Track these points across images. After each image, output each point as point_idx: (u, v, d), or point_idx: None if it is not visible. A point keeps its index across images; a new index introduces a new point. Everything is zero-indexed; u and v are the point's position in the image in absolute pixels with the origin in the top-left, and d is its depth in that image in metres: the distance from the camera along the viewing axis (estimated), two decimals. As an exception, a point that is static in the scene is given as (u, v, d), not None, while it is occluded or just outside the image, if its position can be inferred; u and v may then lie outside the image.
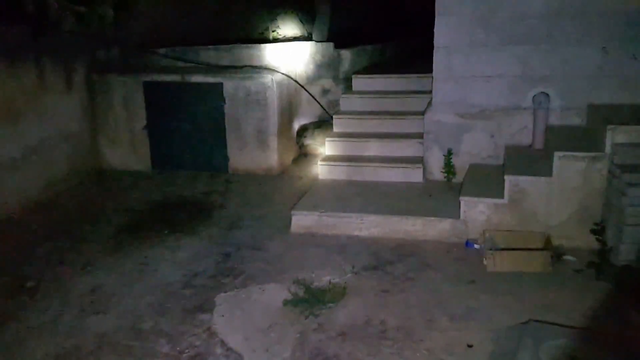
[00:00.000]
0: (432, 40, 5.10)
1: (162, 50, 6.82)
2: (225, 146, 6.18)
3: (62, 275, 4.04)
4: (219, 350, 3.13)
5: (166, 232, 4.73)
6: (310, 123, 6.69)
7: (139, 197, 5.61)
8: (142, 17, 6.87)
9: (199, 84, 6.12)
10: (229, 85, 6.02)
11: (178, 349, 3.16)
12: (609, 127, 4.00)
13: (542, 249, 4.05)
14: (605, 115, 4.30)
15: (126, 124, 6.37)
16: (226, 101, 6.05)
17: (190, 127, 6.23)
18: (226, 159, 6.21)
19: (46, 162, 5.59)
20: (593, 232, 4.08)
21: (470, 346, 3.10)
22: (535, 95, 4.86)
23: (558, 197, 4.20)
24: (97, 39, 6.28)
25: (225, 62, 6.71)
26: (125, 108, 6.33)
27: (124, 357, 3.10)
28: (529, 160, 4.63)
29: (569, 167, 4.14)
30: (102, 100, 6.35)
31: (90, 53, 6.28)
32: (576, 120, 4.86)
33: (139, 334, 3.31)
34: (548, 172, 4.21)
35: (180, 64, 6.73)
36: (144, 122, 6.30)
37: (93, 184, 6.10)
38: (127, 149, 6.44)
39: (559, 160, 4.15)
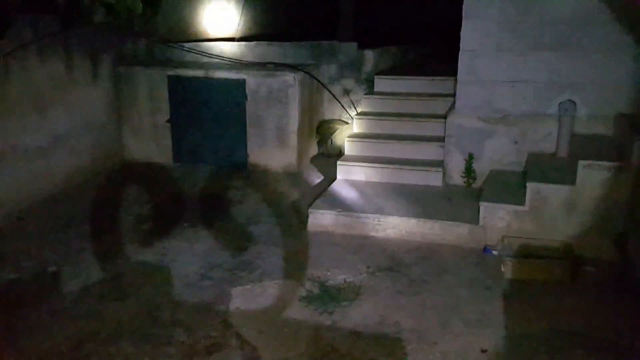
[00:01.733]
0: (456, 42, 5.08)
1: (187, 45, 6.90)
2: (245, 142, 6.23)
3: (84, 262, 4.13)
4: (234, 342, 3.16)
5: (185, 224, 4.79)
6: (331, 122, 6.69)
7: (159, 189, 5.69)
8: (169, 11, 6.97)
9: (222, 80, 6.17)
10: (252, 81, 6.07)
11: (194, 338, 3.20)
12: (637, 137, 3.93)
13: (561, 258, 4.00)
14: (633, 125, 4.22)
15: (150, 116, 6.46)
16: (248, 97, 6.10)
17: (212, 122, 6.30)
18: (246, 155, 6.26)
19: (72, 152, 5.71)
20: (615, 243, 4.01)
21: (484, 351, 3.09)
22: (561, 103, 4.79)
23: (580, 207, 4.14)
24: (125, 31, 6.38)
25: (248, 59, 6.77)
26: (150, 101, 6.43)
27: (141, 344, 3.16)
28: (552, 167, 4.57)
29: (593, 176, 4.08)
30: (127, 93, 6.45)
31: (118, 45, 6.39)
32: (602, 129, 4.79)
33: (157, 322, 3.37)
34: (571, 181, 4.15)
35: (204, 59, 6.80)
36: (167, 116, 6.39)
37: (116, 174, 6.20)
38: (150, 141, 6.53)
39: (584, 169, 4.09)
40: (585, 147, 4.46)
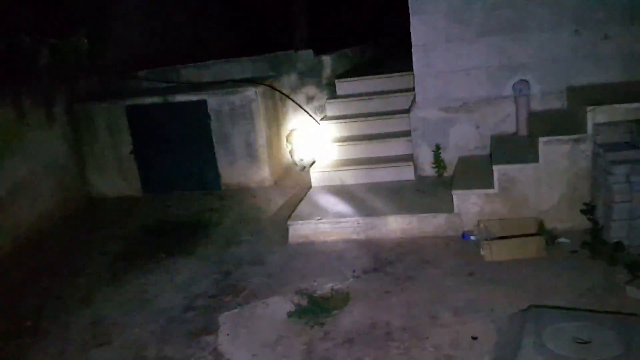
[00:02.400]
0: (410, 37, 5.15)
1: (141, 73, 6.82)
2: (215, 163, 6.18)
3: (61, 311, 4.01)
4: (227, 370, 3.13)
5: (163, 255, 4.72)
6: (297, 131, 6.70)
7: (132, 222, 5.59)
8: (118, 43, 6.87)
9: (182, 103, 6.12)
10: (213, 101, 6.04)
11: (186, 373, 3.16)
12: (589, 108, 4.06)
13: (535, 234, 4.10)
14: (584, 97, 4.36)
15: (112, 150, 6.36)
16: (212, 117, 6.06)
17: (178, 147, 6.23)
18: (217, 175, 6.21)
19: (34, 198, 5.55)
20: (583, 212, 4.14)
21: (474, 338, 3.13)
22: (515, 83, 4.92)
23: (547, 182, 4.25)
24: (75, 69, 6.26)
25: (206, 79, 6.73)
26: (110, 135, 6.32)
27: (132, 386, 3.10)
28: (515, 147, 4.68)
29: (554, 151, 4.19)
30: (86, 130, 6.33)
31: (69, 84, 6.26)
32: (557, 103, 4.93)
33: (145, 362, 3.30)
34: (535, 158, 4.26)
35: (162, 85, 6.73)
36: (130, 147, 6.29)
37: (84, 214, 6.07)
38: (115, 175, 6.42)
39: (544, 145, 4.20)
40: (544, 123, 4.58)
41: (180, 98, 6.13)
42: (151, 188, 6.39)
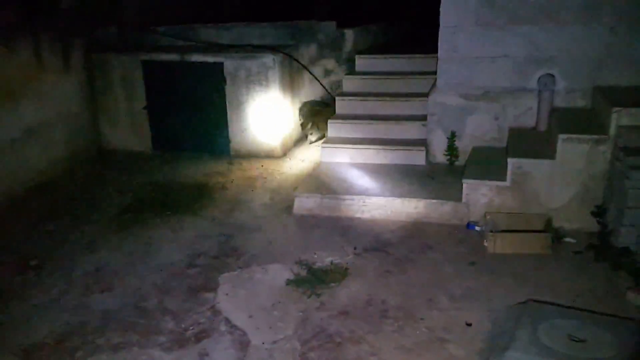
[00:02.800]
0: (436, 19, 5.05)
1: (160, 29, 6.74)
2: (226, 128, 6.15)
3: (66, 254, 4.07)
4: (223, 328, 3.17)
5: (169, 213, 4.74)
6: (313, 103, 6.64)
7: (140, 178, 5.61)
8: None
9: (199, 64, 6.05)
10: (230, 64, 5.97)
11: (183, 326, 3.20)
12: (615, 109, 3.98)
13: (542, 231, 4.08)
14: (610, 98, 4.28)
15: (126, 104, 6.33)
16: (227, 81, 6.00)
17: (191, 108, 6.20)
18: (228, 140, 6.19)
19: (46, 143, 5.58)
20: (594, 214, 4.10)
21: (469, 325, 3.15)
22: (540, 77, 4.81)
23: (560, 180, 4.20)
24: (96, 17, 6.20)
25: (225, 41, 6.65)
26: (125, 88, 6.29)
27: (129, 333, 3.14)
28: (533, 142, 4.62)
29: (572, 149, 4.13)
30: (101, 80, 6.30)
31: (88, 32, 6.21)
32: (581, 102, 4.83)
33: (144, 311, 3.35)
34: (551, 155, 4.20)
35: (179, 42, 6.66)
36: (144, 102, 6.27)
37: (94, 164, 6.09)
38: (127, 129, 6.41)
39: (563, 142, 4.14)
40: (565, 120, 4.50)
41: (197, 58, 6.07)
42: (161, 145, 6.38)
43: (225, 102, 6.07)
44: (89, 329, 3.19)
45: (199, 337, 3.10)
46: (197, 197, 5.07)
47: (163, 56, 6.16)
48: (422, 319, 3.21)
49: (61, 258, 4.02)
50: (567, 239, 4.07)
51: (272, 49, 6.10)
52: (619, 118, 3.96)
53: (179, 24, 6.85)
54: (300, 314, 3.28)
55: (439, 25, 5.06)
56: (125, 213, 4.77)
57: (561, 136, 4.14)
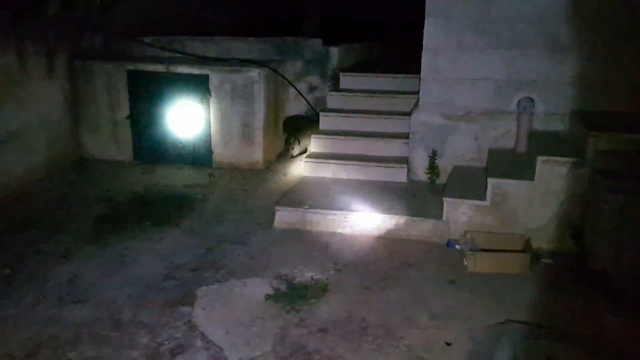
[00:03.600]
0: (420, 40, 5.14)
1: (147, 39, 6.72)
2: (209, 139, 6.12)
3: (40, 264, 3.96)
4: (199, 343, 3.11)
5: (147, 223, 4.67)
6: (297, 118, 6.65)
7: (119, 187, 5.52)
8: (127, 5, 6.76)
9: (184, 75, 6.04)
10: (215, 77, 5.97)
11: (157, 340, 3.13)
12: (591, 133, 4.08)
13: (521, 252, 4.13)
14: (587, 122, 4.39)
15: (108, 112, 6.26)
16: (212, 94, 5.99)
17: (174, 119, 6.15)
18: (210, 152, 6.15)
19: (25, 149, 5.47)
20: (572, 236, 4.16)
21: (448, 344, 3.14)
22: (520, 100, 4.93)
23: (539, 201, 4.27)
24: (82, 24, 6.15)
25: (211, 54, 6.65)
26: (108, 96, 6.22)
27: (102, 347, 3.06)
28: (512, 163, 4.70)
29: (551, 171, 4.21)
30: (84, 88, 6.22)
31: (74, 39, 6.16)
32: (559, 125, 4.95)
33: (118, 324, 3.27)
34: (530, 176, 4.28)
35: (165, 54, 6.64)
36: (127, 112, 6.20)
37: (73, 172, 5.97)
38: (108, 138, 6.33)
39: (542, 164, 4.22)
40: (544, 143, 4.60)
41: (183, 70, 6.05)
42: (142, 156, 6.31)
43: (210, 114, 6.05)
44: (60, 342, 3.09)
45: (173, 353, 3.03)
46: (177, 208, 5.00)
47: (149, 66, 6.12)
48: (401, 337, 3.20)
49: (34, 268, 3.91)
50: (545, 260, 4.12)
51: (258, 63, 6.13)
52: (596, 142, 4.06)
53: (166, 35, 6.84)
54: (279, 330, 3.24)
55: (422, 45, 5.14)
56: (102, 223, 4.68)
57: (540, 158, 4.22)
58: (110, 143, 6.33)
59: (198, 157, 6.20)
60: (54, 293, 3.59)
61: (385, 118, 5.92)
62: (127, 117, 6.21)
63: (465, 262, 4.04)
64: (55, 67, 5.89)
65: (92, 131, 6.34)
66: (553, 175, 4.20)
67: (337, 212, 4.64)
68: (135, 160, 6.30)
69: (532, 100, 4.89)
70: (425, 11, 5.05)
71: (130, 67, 6.12)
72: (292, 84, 6.63)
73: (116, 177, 5.84)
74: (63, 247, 4.23)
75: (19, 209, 4.93)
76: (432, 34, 5.08)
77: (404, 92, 6.10)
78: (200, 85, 5.99)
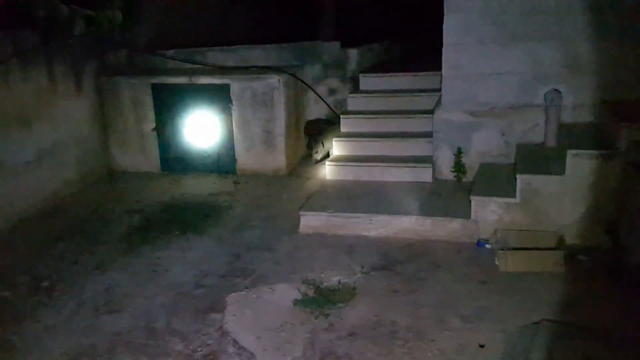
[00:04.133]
0: (440, 37, 5.08)
1: (169, 52, 6.85)
2: (232, 147, 6.19)
3: (77, 275, 4.08)
4: (231, 349, 3.14)
5: (177, 232, 4.75)
6: (317, 122, 6.66)
7: (149, 198, 5.64)
8: (149, 20, 6.91)
9: (206, 85, 6.14)
10: (236, 86, 6.04)
11: (191, 347, 3.18)
12: (623, 124, 3.95)
13: (554, 249, 4.02)
14: (618, 112, 4.25)
15: (135, 126, 6.41)
16: (233, 102, 6.06)
17: (198, 129, 6.25)
18: (234, 160, 6.22)
19: (59, 165, 5.64)
20: (606, 231, 4.04)
21: (482, 346, 3.08)
22: (547, 92, 4.80)
23: (571, 196, 4.16)
24: (106, 42, 6.32)
25: (231, 63, 6.74)
26: (134, 110, 6.37)
27: (138, 355, 3.12)
28: (541, 158, 4.59)
29: (582, 165, 4.09)
30: (111, 103, 6.39)
31: (99, 56, 6.33)
32: (589, 117, 4.81)
33: (153, 332, 3.33)
34: (561, 171, 4.17)
35: (187, 65, 6.76)
36: (153, 124, 6.33)
37: (104, 185, 6.14)
38: (136, 150, 6.48)
39: (572, 158, 4.10)
40: (573, 136, 4.48)
41: (205, 80, 6.15)
42: (169, 166, 6.43)
43: (232, 123, 6.13)
44: (99, 351, 3.17)
45: (207, 359, 3.07)
46: (204, 216, 5.07)
47: (172, 79, 6.25)
48: (433, 340, 3.16)
49: (72, 279, 4.03)
50: (580, 257, 4.00)
51: (277, 69, 6.17)
52: (629, 133, 3.93)
53: (187, 47, 6.96)
54: (308, 335, 3.25)
55: (441, 42, 5.08)
56: (134, 234, 4.78)
57: (570, 152, 4.11)
58: (138, 155, 6.48)
59: (222, 165, 6.28)
60: (91, 303, 3.69)
61: (407, 117, 5.87)
62: (153, 129, 6.34)
63: (496, 262, 3.96)
64: (83, 84, 6.06)
65: (120, 144, 6.49)
66: (584, 169, 4.09)
67: (362, 215, 4.62)
68: (163, 170, 6.43)
69: (559, 92, 4.76)
70: (444, 7, 4.99)
71: (155, 80, 6.26)
72: (311, 88, 6.65)
73: (145, 188, 5.96)
74: (98, 258, 4.34)
75: (55, 222, 5.08)
76: (452, 29, 5.01)
77: (425, 90, 6.04)
78: (221, 95, 6.07)
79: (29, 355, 3.16)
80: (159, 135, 6.36)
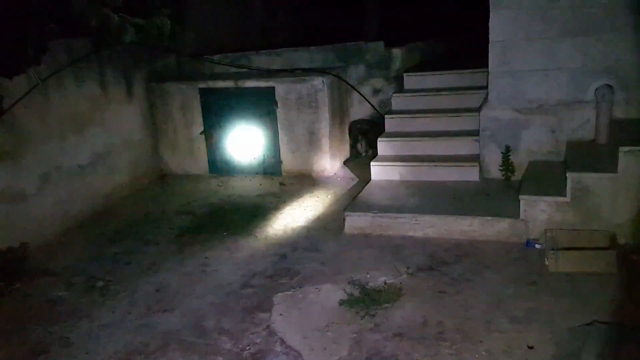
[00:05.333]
0: (485, 34, 4.99)
1: (215, 57, 7.04)
2: (278, 149, 6.30)
3: (130, 276, 4.27)
4: (278, 348, 3.21)
5: (225, 233, 4.89)
6: (361, 122, 6.67)
7: (198, 200, 5.82)
8: (196, 27, 7.12)
9: (251, 89, 6.27)
10: (281, 88, 6.14)
11: (240, 346, 3.27)
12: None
13: (606, 249, 3.88)
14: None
15: (184, 129, 6.63)
16: (278, 104, 6.17)
17: (245, 131, 6.40)
18: (279, 161, 6.33)
19: (111, 169, 5.92)
20: (664, 230, 3.86)
21: (531, 347, 3.02)
22: (597, 88, 4.64)
23: (624, 194, 4.00)
24: (155, 49, 6.57)
25: (276, 66, 6.85)
26: (183, 115, 6.59)
27: (189, 354, 3.24)
28: (592, 156, 4.43)
29: (635, 162, 3.93)
30: (161, 108, 6.63)
31: (149, 63, 6.59)
32: (643, 113, 4.61)
33: (203, 331, 3.45)
34: (613, 169, 4.02)
35: (232, 69, 6.92)
36: (201, 128, 6.53)
37: (155, 188, 6.38)
38: (185, 154, 6.70)
39: (625, 155, 3.95)
40: (626, 132, 4.30)
41: (250, 84, 6.28)
42: (217, 168, 6.61)
43: (277, 125, 6.23)
44: (151, 349, 3.31)
45: (255, 358, 3.15)
46: (251, 217, 5.20)
47: (219, 83, 6.42)
48: (480, 341, 3.12)
49: (125, 279, 4.21)
50: (633, 257, 3.85)
51: (321, 71, 6.22)
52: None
53: (232, 52, 7.13)
54: (354, 335, 3.28)
55: (486, 39, 5.00)
56: (184, 235, 4.96)
57: (622, 149, 3.95)
58: (187, 158, 6.70)
59: (268, 167, 6.40)
60: (143, 303, 3.86)
61: (452, 116, 5.79)
62: (201, 133, 6.54)
63: (546, 262, 3.86)
64: (134, 90, 6.33)
65: (170, 148, 6.73)
66: (637, 166, 3.92)
67: (407, 215, 4.61)
68: (211, 173, 6.62)
69: (610, 87, 4.58)
70: (490, 3, 4.90)
71: (202, 85, 6.45)
72: (355, 89, 6.67)
73: (194, 190, 6.16)
74: (150, 259, 4.53)
75: (108, 224, 5.33)
76: (498, 26, 4.91)
77: (471, 88, 5.94)
78: (267, 97, 6.19)
79: (84, 353, 3.32)
80: (206, 139, 6.56)
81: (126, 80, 6.21)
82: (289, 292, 3.82)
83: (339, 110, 6.36)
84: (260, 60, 6.99)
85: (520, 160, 5.04)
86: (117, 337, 3.46)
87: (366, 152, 6.53)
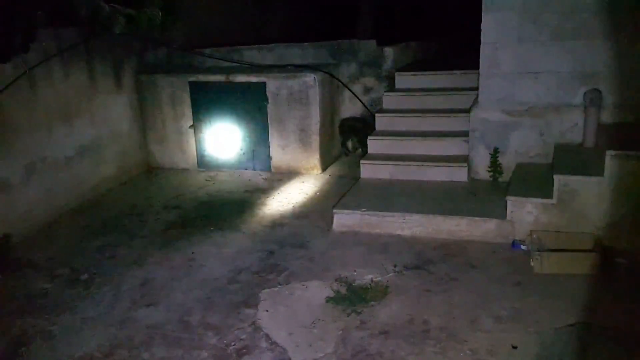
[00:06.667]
0: (477, 36, 5.01)
1: (207, 51, 6.99)
2: (268, 145, 6.28)
3: (115, 269, 4.23)
4: (264, 344, 3.20)
5: (212, 228, 4.86)
6: (352, 120, 6.68)
7: (185, 194, 5.78)
8: (187, 19, 7.06)
9: (242, 84, 6.23)
10: (272, 84, 6.11)
11: (225, 341, 3.25)
12: (666, 124, 3.83)
13: (590, 251, 3.93)
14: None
15: (173, 123, 6.57)
16: (269, 100, 6.14)
17: (235, 126, 6.36)
18: (269, 157, 6.31)
19: (98, 161, 5.85)
20: (647, 234, 3.92)
21: (515, 347, 3.05)
22: (586, 92, 4.69)
23: (610, 198, 4.05)
24: (146, 40, 6.50)
25: (267, 62, 6.82)
26: (172, 108, 6.53)
27: (173, 348, 3.22)
28: (580, 159, 4.48)
29: (621, 166, 3.98)
30: (150, 100, 6.57)
31: (139, 54, 6.52)
32: (630, 117, 4.67)
33: (188, 326, 3.43)
34: (599, 172, 4.06)
35: (224, 63, 6.88)
36: (190, 122, 6.48)
37: (142, 181, 6.33)
38: (174, 147, 6.64)
39: (611, 159, 4.00)
40: (613, 136, 4.36)
41: (241, 78, 6.25)
42: (205, 163, 6.57)
43: (267, 121, 6.21)
44: (135, 343, 3.28)
45: (240, 353, 3.14)
46: (239, 213, 5.17)
47: (209, 77, 6.37)
48: (465, 340, 3.14)
49: (110, 272, 4.17)
50: (618, 260, 3.90)
51: (313, 68, 6.21)
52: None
53: (224, 46, 7.09)
54: (340, 332, 3.28)
55: (478, 41, 5.02)
56: (170, 229, 4.92)
57: (609, 152, 4.00)
58: (176, 152, 6.65)
59: (257, 163, 6.38)
60: (128, 296, 3.82)
61: (443, 116, 5.81)
62: (191, 127, 6.49)
63: (531, 263, 3.90)
64: (123, 82, 6.26)
65: (158, 141, 6.67)
66: (624, 170, 3.97)
67: (396, 214, 4.62)
68: (200, 167, 6.57)
69: (599, 92, 4.63)
70: (483, 5, 4.92)
71: (192, 78, 6.40)
72: (347, 87, 6.67)
73: (182, 184, 6.12)
74: (135, 253, 4.49)
75: (94, 216, 5.28)
76: (490, 28, 4.94)
77: (461, 89, 5.97)
78: (257, 93, 6.16)
79: (67, 346, 3.29)
80: (196, 133, 6.51)
81: (115, 71, 6.14)
82: (276, 289, 3.81)
83: (330, 108, 6.36)
84: (252, 55, 6.96)
85: (508, 161, 5.08)
86: (101, 330, 3.42)
87: (356, 150, 6.54)
